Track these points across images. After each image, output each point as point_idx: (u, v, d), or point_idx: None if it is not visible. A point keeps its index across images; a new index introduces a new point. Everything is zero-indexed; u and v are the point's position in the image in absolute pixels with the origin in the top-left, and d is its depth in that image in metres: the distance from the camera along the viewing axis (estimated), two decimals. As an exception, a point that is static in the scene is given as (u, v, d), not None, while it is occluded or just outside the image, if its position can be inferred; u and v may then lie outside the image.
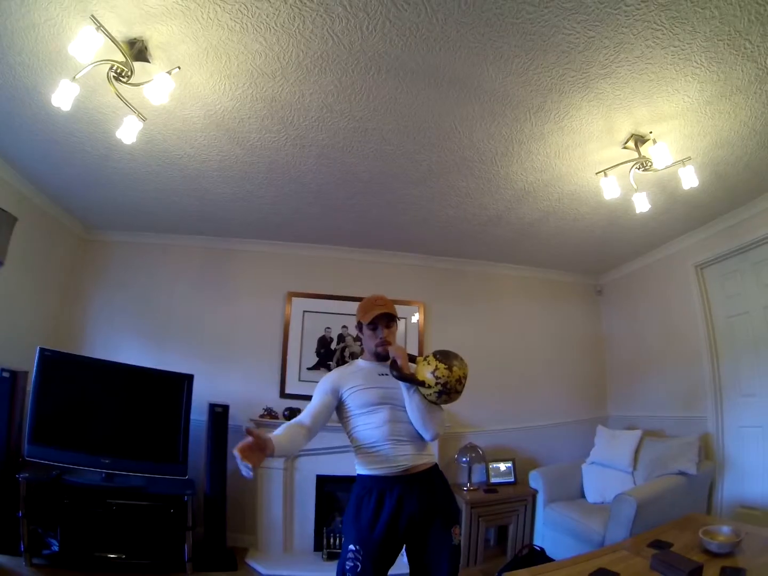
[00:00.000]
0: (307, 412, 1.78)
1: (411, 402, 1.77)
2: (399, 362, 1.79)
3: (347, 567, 1.68)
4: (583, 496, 3.78)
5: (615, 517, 2.89)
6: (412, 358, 1.87)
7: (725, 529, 2.15)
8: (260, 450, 1.41)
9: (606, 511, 3.10)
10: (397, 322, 1.97)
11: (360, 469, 1.84)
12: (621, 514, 2.83)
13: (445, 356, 1.79)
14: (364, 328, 1.92)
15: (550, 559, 2.56)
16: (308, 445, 3.81)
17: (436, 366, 1.74)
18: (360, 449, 1.82)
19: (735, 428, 3.51)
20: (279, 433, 1.58)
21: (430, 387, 1.73)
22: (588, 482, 3.80)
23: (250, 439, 1.38)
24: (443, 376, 1.72)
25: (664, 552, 2.01)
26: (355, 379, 1.87)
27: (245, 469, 1.32)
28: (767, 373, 3.28)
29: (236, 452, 1.32)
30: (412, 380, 1.75)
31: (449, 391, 1.73)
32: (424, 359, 1.81)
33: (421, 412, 1.76)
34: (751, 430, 3.37)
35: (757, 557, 2.00)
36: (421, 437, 1.82)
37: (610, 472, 3.71)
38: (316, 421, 1.76)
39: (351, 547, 1.70)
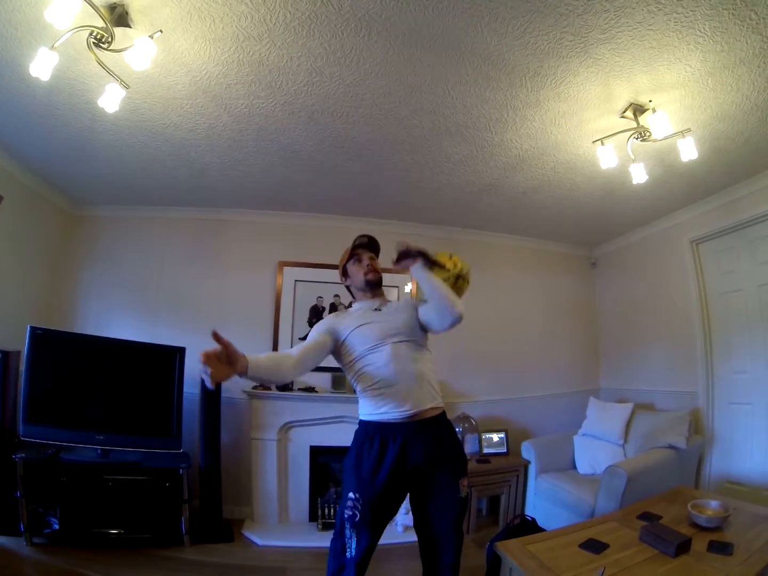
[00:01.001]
0: (301, 346, 1.71)
1: (430, 282, 1.72)
2: (410, 246, 1.75)
3: (346, 515, 1.67)
4: (574, 467, 3.83)
5: (605, 489, 2.92)
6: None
7: (714, 503, 2.18)
8: (229, 363, 1.33)
9: (597, 482, 3.14)
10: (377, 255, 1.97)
11: (363, 414, 1.80)
12: (611, 486, 2.87)
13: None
14: (349, 267, 1.93)
15: (541, 529, 2.59)
16: (301, 415, 3.83)
17: (451, 255, 1.82)
18: (366, 391, 1.77)
19: (725, 404, 3.54)
20: (262, 355, 1.51)
21: (448, 270, 1.77)
22: (579, 454, 3.84)
23: (218, 347, 1.30)
24: (460, 262, 1.80)
25: (653, 524, 2.05)
26: (351, 320, 1.83)
27: (206, 375, 1.25)
28: (759, 350, 3.30)
29: (201, 356, 1.25)
30: (432, 260, 1.77)
31: (464, 277, 1.80)
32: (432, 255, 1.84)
33: (443, 288, 1.72)
34: (741, 406, 3.41)
35: (744, 532, 2.03)
36: (428, 383, 1.77)
37: (601, 444, 3.75)
38: (306, 355, 1.68)
39: (350, 495, 1.68)
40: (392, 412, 1.70)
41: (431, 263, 1.74)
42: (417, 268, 1.74)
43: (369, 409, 1.77)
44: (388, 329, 1.78)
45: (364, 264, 1.90)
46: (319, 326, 1.84)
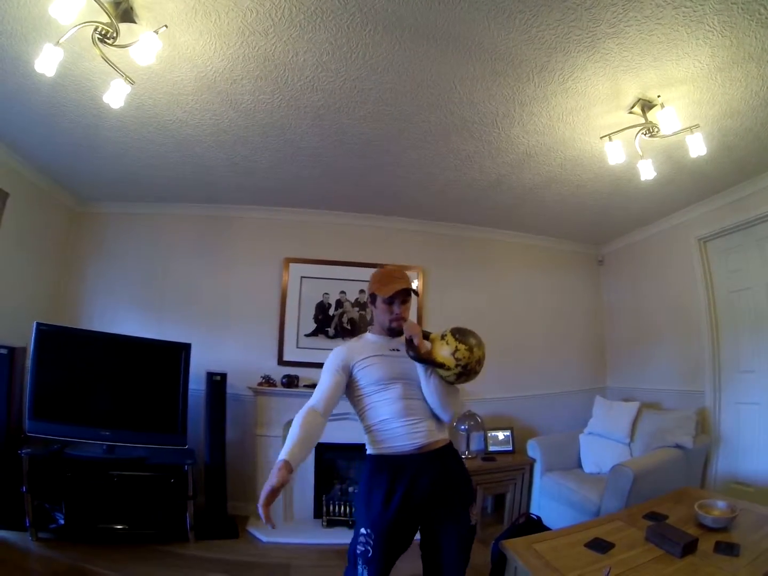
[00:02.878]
0: (321, 395, 1.67)
1: (429, 384, 1.72)
2: (415, 341, 1.71)
3: (358, 551, 1.64)
4: (580, 466, 3.81)
5: (611, 488, 2.91)
6: (425, 335, 1.79)
7: (720, 503, 2.17)
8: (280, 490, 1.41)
9: (602, 481, 3.12)
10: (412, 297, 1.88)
11: (371, 449, 1.77)
12: (617, 485, 2.85)
13: (463, 335, 1.71)
14: (378, 301, 1.83)
15: (546, 528, 2.56)
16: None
17: (456, 347, 1.66)
18: (372, 428, 1.74)
19: (732, 404, 3.51)
20: (295, 438, 1.51)
21: (449, 369, 1.66)
22: (585, 452, 3.82)
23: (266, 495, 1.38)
24: (464, 357, 1.65)
25: (660, 524, 2.03)
26: (365, 353, 1.78)
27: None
28: (766, 349, 3.27)
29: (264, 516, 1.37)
30: (430, 362, 1.69)
31: (468, 372, 1.68)
32: (441, 338, 1.72)
33: (439, 394, 1.71)
34: (748, 406, 3.38)
35: (751, 533, 2.02)
36: (435, 414, 1.77)
37: (607, 442, 3.74)
38: (330, 405, 1.67)
39: (362, 530, 1.65)
40: (402, 446, 1.69)
41: (431, 364, 1.70)
42: (417, 365, 1.74)
43: (377, 444, 1.74)
44: (402, 372, 1.75)
45: (394, 311, 1.81)
46: (335, 362, 1.77)
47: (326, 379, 1.72)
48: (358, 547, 1.64)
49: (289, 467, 1.42)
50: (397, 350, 1.81)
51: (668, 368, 4.12)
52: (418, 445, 1.69)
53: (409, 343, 1.71)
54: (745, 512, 2.18)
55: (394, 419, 1.70)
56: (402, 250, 4.45)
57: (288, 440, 1.51)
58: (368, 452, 1.79)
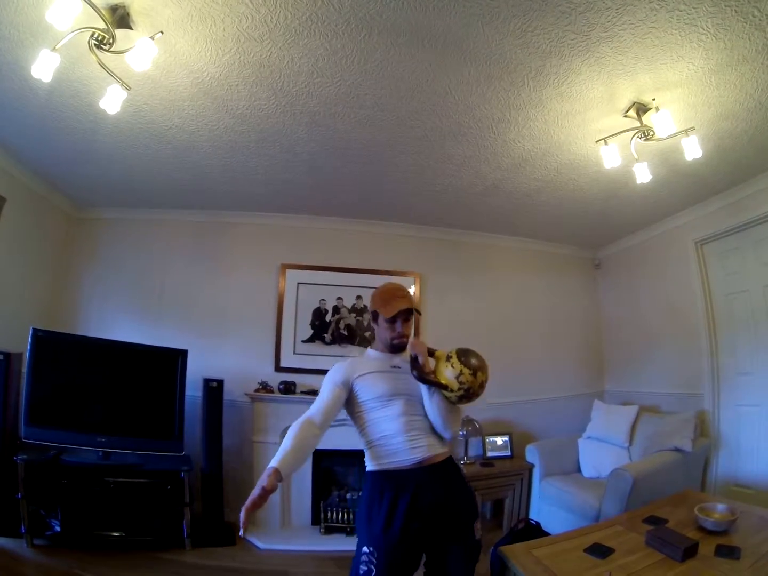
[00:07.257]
0: (318, 407, 1.67)
1: (432, 403, 1.70)
2: (420, 360, 1.70)
3: (361, 572, 1.56)
4: (579, 470, 3.79)
5: (611, 492, 2.89)
6: (431, 352, 1.77)
7: (720, 506, 2.14)
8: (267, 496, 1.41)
9: (602, 485, 3.10)
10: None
11: (371, 466, 1.74)
12: (617, 489, 2.84)
13: (467, 358, 1.69)
14: (381, 319, 1.84)
15: (545, 534, 2.55)
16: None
17: (461, 371, 1.64)
18: (372, 443, 1.72)
19: (731, 406, 3.50)
20: (288, 447, 1.49)
21: (452, 391, 1.65)
22: (584, 457, 3.81)
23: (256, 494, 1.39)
24: (467, 381, 1.64)
25: (659, 528, 2.02)
26: (365, 369, 1.78)
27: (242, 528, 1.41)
28: (765, 351, 3.27)
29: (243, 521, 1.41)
30: (434, 383, 1.67)
31: (471, 396, 1.66)
32: (447, 359, 1.70)
33: (441, 412, 1.69)
34: (748, 408, 3.37)
35: (751, 536, 2.00)
36: (435, 433, 1.75)
37: (606, 446, 3.72)
38: (328, 417, 1.66)
39: (364, 549, 1.58)
40: (402, 460, 1.67)
41: (435, 385, 1.69)
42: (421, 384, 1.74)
43: (377, 460, 1.72)
44: (403, 387, 1.74)
45: (396, 329, 1.83)
46: (334, 376, 1.77)
47: (325, 392, 1.73)
48: (361, 567, 1.57)
49: (278, 475, 1.41)
50: (399, 367, 1.80)
51: (667, 371, 4.11)
52: (418, 459, 1.67)
53: (414, 361, 1.70)
54: (745, 515, 2.16)
55: (394, 435, 1.68)
56: (399, 255, 4.46)
57: (281, 448, 1.50)
58: (368, 469, 1.76)
